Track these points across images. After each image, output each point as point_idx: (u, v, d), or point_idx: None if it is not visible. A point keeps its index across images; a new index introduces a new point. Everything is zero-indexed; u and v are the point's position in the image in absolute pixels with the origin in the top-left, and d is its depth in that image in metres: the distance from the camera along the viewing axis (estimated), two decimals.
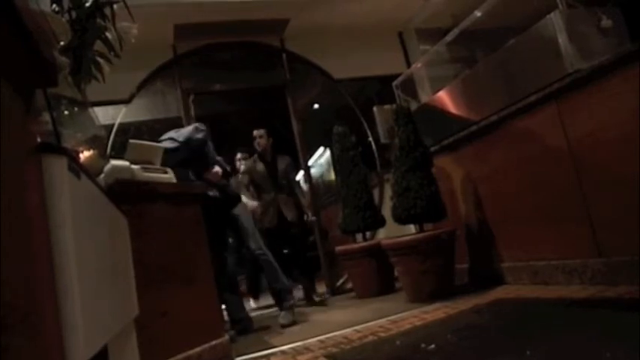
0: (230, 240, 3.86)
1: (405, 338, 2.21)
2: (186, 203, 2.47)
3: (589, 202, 2.46)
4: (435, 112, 3.69)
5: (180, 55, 4.92)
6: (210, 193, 3.10)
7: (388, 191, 4.14)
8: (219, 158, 3.47)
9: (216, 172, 3.27)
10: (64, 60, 1.46)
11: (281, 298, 3.47)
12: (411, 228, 3.76)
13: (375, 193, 4.90)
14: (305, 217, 4.40)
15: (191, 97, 4.84)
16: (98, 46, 2.06)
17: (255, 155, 4.50)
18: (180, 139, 3.07)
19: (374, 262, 3.83)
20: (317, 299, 4.27)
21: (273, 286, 3.52)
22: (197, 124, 3.27)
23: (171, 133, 3.17)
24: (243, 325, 3.30)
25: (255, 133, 4.42)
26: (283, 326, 3.28)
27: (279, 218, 4.33)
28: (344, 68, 5.23)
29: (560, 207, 2.63)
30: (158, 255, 2.15)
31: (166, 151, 2.91)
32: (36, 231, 0.78)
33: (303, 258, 4.47)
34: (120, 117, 4.61)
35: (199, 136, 3.16)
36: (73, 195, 0.91)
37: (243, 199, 3.84)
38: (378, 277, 3.88)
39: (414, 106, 4.33)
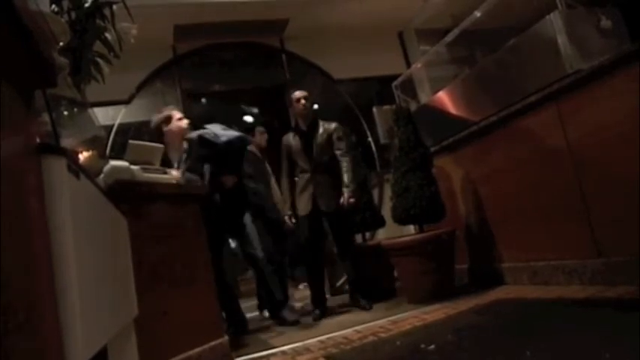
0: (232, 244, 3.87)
1: (405, 338, 2.21)
2: (185, 203, 2.46)
3: (589, 202, 2.46)
4: (435, 113, 3.69)
5: (180, 56, 4.93)
6: (215, 199, 3.07)
7: (388, 191, 4.14)
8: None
9: (233, 180, 3.29)
10: (63, 61, 1.46)
11: (279, 309, 3.46)
12: (411, 228, 3.77)
13: (375, 193, 4.90)
14: (341, 199, 3.38)
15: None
16: (98, 46, 2.06)
17: (291, 131, 3.65)
18: (224, 139, 3.12)
19: (375, 263, 3.83)
20: (364, 303, 3.42)
21: (273, 297, 3.51)
22: (245, 135, 3.34)
23: (217, 129, 3.18)
24: (239, 326, 3.31)
25: (298, 94, 3.57)
26: (291, 322, 3.30)
27: (314, 204, 3.46)
28: (344, 68, 5.24)
29: (560, 207, 2.63)
30: (158, 255, 2.15)
31: (207, 140, 2.96)
32: (35, 232, 0.78)
33: (347, 247, 3.56)
34: (119, 117, 4.61)
35: (244, 145, 3.21)
36: (72, 196, 0.90)
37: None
38: (379, 277, 3.87)
39: (413, 106, 4.33)
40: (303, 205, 3.48)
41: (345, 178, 3.42)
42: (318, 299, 3.54)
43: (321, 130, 3.54)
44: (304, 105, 3.54)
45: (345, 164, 3.46)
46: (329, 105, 5.63)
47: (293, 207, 3.60)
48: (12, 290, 0.63)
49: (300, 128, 3.58)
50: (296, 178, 3.67)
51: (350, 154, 3.58)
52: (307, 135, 3.54)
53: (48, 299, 0.79)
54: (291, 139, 3.59)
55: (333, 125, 3.58)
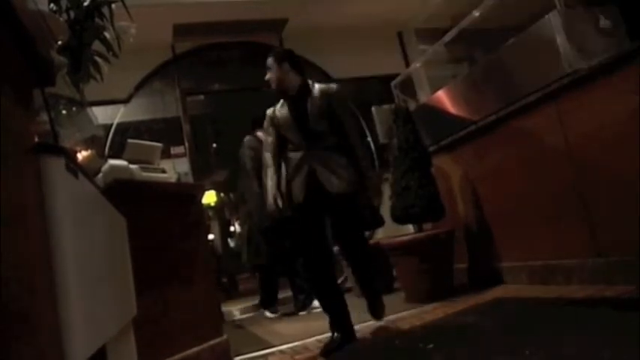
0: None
1: (403, 338, 2.21)
2: (185, 203, 2.46)
3: (588, 201, 2.46)
4: (434, 112, 3.69)
5: (179, 55, 4.92)
6: None
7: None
8: None
9: None
10: (62, 60, 1.46)
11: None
12: (410, 228, 3.77)
13: None
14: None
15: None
16: (96, 45, 2.06)
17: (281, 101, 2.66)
18: None
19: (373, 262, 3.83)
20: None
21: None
22: None
23: None
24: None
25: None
26: None
27: (311, 189, 2.48)
28: (343, 68, 5.23)
29: (559, 207, 2.63)
30: (157, 255, 2.15)
31: None
32: (34, 231, 0.78)
33: (357, 242, 2.69)
34: (118, 117, 4.61)
35: None
36: (70, 195, 0.90)
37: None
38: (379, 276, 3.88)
39: (412, 106, 4.33)
40: (297, 192, 2.54)
41: (363, 162, 2.57)
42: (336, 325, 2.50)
43: (316, 92, 2.57)
44: (269, 78, 2.58)
45: (353, 137, 2.58)
46: None
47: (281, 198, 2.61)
48: (11, 290, 0.62)
49: (287, 94, 2.60)
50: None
51: (354, 125, 2.69)
52: (296, 101, 2.57)
53: (47, 298, 0.79)
54: (277, 109, 2.67)
55: (333, 87, 2.63)
